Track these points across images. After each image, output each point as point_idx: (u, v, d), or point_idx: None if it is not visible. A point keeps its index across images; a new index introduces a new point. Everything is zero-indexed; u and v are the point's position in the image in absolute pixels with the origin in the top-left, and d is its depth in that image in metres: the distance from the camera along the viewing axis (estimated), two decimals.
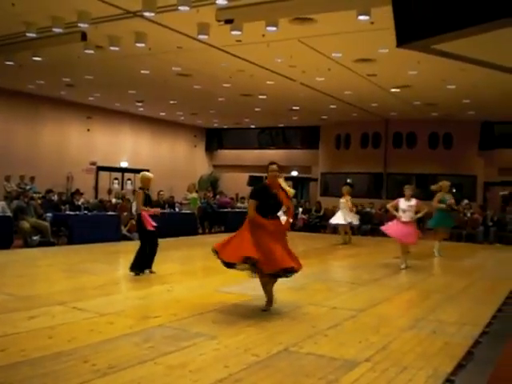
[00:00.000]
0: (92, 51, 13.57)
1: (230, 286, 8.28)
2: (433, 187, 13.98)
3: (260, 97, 20.39)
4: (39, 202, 15.62)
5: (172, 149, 29.44)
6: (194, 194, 19.89)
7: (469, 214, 19.48)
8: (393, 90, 18.13)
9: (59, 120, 23.29)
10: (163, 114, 26.39)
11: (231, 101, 21.26)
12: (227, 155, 31.77)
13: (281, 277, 6.74)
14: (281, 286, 6.97)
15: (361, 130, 26.09)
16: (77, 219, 14.76)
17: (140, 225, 9.46)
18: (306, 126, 28.68)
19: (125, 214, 16.25)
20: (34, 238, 13.77)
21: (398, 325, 6.41)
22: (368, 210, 21.65)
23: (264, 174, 7.18)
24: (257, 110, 23.47)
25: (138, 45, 12.83)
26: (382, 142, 25.73)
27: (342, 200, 16.22)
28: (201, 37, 12.15)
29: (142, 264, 9.39)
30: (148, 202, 9.52)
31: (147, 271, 9.47)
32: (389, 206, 11.85)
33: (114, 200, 20.01)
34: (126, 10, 11.07)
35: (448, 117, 22.95)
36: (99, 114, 24.65)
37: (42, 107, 22.40)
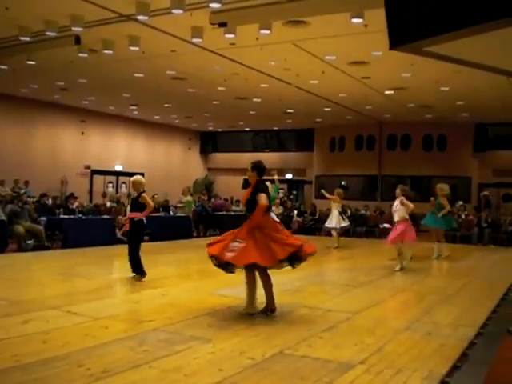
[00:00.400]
0: (86, 55, 13.57)
1: (224, 289, 8.26)
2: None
3: (254, 100, 20.41)
4: (33, 206, 15.58)
5: (167, 152, 29.42)
6: (189, 197, 19.85)
7: (463, 216, 19.51)
8: (387, 92, 18.19)
9: (53, 124, 23.25)
10: (157, 117, 26.38)
11: (226, 104, 21.27)
12: (222, 158, 31.79)
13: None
14: (276, 288, 6.95)
15: (355, 133, 26.16)
16: (71, 223, 14.71)
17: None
18: (301, 129, 28.76)
19: (119, 217, 16.21)
20: (29, 242, 13.73)
21: (393, 327, 6.41)
22: (363, 212, 21.68)
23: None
24: (251, 113, 23.49)
25: (132, 48, 12.83)
26: (377, 145, 25.81)
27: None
28: (194, 40, 12.16)
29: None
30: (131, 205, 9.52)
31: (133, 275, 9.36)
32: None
33: (108, 204, 19.98)
34: (119, 13, 11.07)
35: (442, 119, 23.04)
36: (93, 117, 24.64)
37: (36, 111, 22.36)
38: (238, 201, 23.48)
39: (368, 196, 25.54)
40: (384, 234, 19.16)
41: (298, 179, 29.88)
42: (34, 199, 17.20)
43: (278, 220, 9.63)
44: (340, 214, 15.78)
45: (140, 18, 10.69)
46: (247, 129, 30.03)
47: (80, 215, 15.86)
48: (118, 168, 26.22)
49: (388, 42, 4.69)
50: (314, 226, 21.53)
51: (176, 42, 12.80)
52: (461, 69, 12.16)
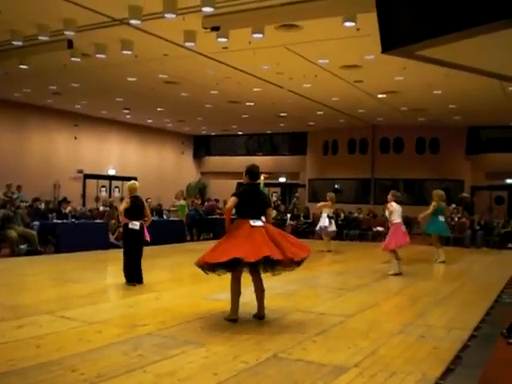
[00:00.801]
0: (78, 59, 13.56)
1: (218, 294, 8.25)
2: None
3: (247, 103, 20.42)
4: (26, 210, 15.53)
5: (160, 156, 29.39)
6: (182, 201, 19.84)
7: (456, 219, 19.57)
8: (379, 95, 18.24)
9: (46, 128, 23.17)
10: (150, 121, 26.35)
11: (219, 108, 21.27)
12: (215, 162, 31.77)
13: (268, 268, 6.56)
14: (269, 292, 6.96)
15: (348, 136, 26.22)
16: (64, 227, 14.67)
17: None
18: (294, 133, 28.79)
19: (112, 221, 16.18)
20: (22, 246, 13.69)
21: (387, 330, 6.43)
22: (356, 215, 21.71)
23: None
24: (244, 116, 23.51)
25: (125, 52, 12.82)
26: (370, 148, 25.88)
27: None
28: (187, 44, 12.17)
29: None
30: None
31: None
32: None
33: (101, 208, 19.93)
34: (112, 17, 11.06)
35: (435, 122, 23.12)
36: (86, 121, 24.55)
37: (29, 115, 22.27)
38: None
39: (361, 199, 25.59)
40: (377, 236, 19.24)
41: (292, 183, 29.91)
42: (27, 203, 17.14)
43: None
44: (329, 217, 15.71)
45: (132, 22, 10.67)
46: (240, 132, 30.05)
47: (73, 220, 15.82)
48: (111, 172, 26.15)
49: (380, 45, 4.71)
50: (308, 229, 21.54)
51: (169, 45, 12.81)
52: (453, 72, 12.21)
